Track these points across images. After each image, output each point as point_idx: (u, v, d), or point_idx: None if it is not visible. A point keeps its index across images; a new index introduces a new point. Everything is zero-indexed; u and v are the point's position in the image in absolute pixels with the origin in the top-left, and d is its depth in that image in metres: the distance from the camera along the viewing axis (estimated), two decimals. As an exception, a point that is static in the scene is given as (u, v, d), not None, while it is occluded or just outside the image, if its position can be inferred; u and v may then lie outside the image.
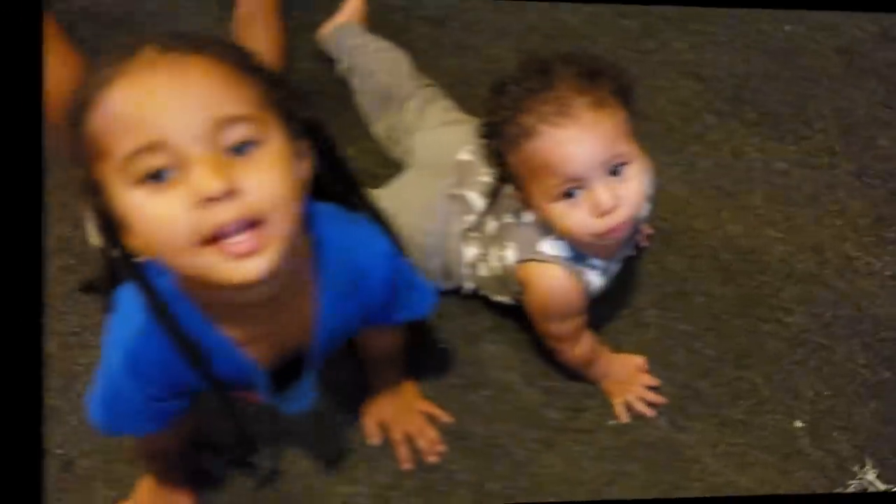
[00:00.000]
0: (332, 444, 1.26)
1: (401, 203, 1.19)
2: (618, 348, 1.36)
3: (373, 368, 1.24)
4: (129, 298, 0.86)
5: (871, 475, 1.33)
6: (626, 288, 1.41)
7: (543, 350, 1.31)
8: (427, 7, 1.63)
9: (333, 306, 0.93)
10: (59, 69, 1.25)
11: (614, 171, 1.04)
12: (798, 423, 1.36)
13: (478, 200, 1.24)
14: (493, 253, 1.23)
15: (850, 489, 1.32)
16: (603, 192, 1.03)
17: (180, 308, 0.84)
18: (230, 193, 0.71)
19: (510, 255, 1.19)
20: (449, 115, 1.37)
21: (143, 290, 0.82)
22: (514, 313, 1.33)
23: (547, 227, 1.13)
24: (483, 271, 1.27)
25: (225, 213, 0.71)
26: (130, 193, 0.72)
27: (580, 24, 1.64)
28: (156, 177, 0.72)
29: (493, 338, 1.36)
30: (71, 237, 1.36)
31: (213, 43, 0.76)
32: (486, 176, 1.22)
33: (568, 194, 1.05)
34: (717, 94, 1.59)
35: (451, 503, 1.23)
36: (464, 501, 1.24)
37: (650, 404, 1.34)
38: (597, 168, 1.03)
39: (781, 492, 1.30)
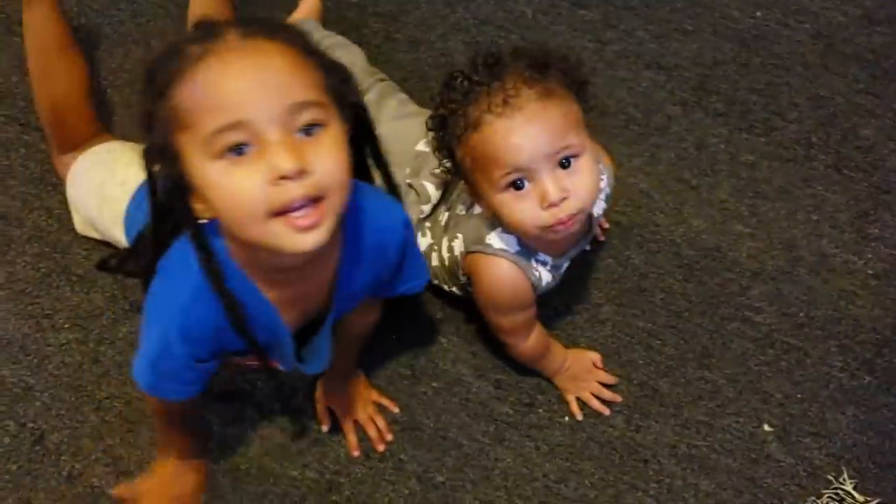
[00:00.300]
0: (284, 427, 1.25)
1: None
2: (573, 344, 1.32)
3: (344, 345, 1.22)
4: (177, 265, 0.93)
5: (847, 485, 1.24)
6: (583, 283, 1.36)
7: (495, 343, 1.28)
8: (381, 3, 1.61)
9: (352, 271, 1.00)
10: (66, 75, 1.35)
11: (563, 162, 1.02)
12: (767, 427, 1.28)
13: (434, 191, 1.23)
14: (444, 244, 1.21)
15: (824, 499, 1.23)
16: (550, 183, 1.01)
17: (228, 269, 0.91)
18: (301, 173, 0.79)
19: (458, 245, 1.18)
20: (405, 107, 1.36)
21: (202, 251, 0.89)
22: (465, 305, 1.30)
23: (496, 220, 1.11)
24: (434, 261, 1.25)
25: (295, 191, 0.79)
26: (211, 165, 0.80)
27: (537, 15, 1.60)
28: (235, 150, 0.79)
29: (444, 329, 1.33)
30: (44, 226, 1.38)
31: (284, 28, 0.85)
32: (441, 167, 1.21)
33: (516, 186, 1.02)
34: (680, 84, 1.53)
35: (399, 492, 1.21)
36: (412, 491, 1.21)
37: (606, 402, 1.29)
38: (544, 159, 1.01)
39: (746, 498, 1.22)
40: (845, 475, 1.25)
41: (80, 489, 1.20)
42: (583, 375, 1.30)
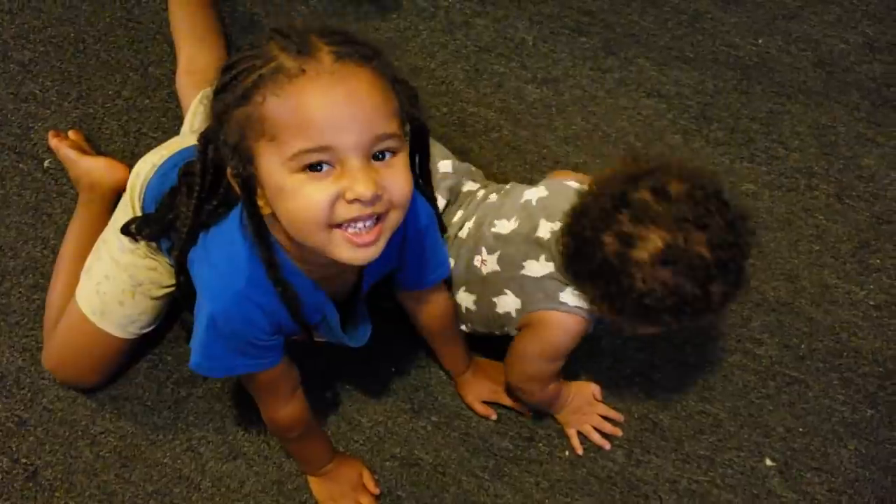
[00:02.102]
0: (279, 464, 1.24)
1: None
2: (573, 378, 1.30)
3: (440, 345, 1.28)
4: (225, 255, 0.97)
5: (850, 521, 1.23)
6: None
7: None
8: (382, 29, 1.59)
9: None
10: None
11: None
12: (768, 462, 1.27)
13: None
14: (480, 294, 1.17)
15: (826, 535, 1.22)
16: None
17: (281, 259, 0.96)
18: (376, 199, 0.86)
19: (508, 303, 1.14)
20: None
21: (263, 245, 0.93)
22: (467, 338, 1.27)
23: (560, 278, 1.09)
24: (464, 305, 1.21)
25: (363, 210, 0.85)
26: (289, 176, 0.84)
27: (537, 43, 1.58)
28: (314, 167, 0.84)
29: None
30: (39, 257, 1.37)
31: (375, 54, 0.88)
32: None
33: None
34: (681, 113, 1.52)
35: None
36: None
37: (606, 436, 1.28)
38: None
39: (748, 534, 1.21)
40: (848, 510, 1.24)
41: (73, 526, 1.18)
42: (584, 409, 1.29)
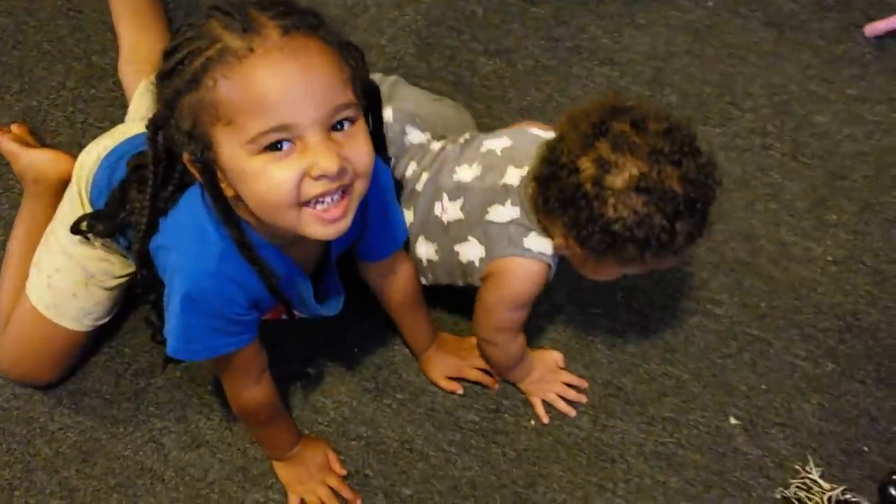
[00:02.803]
0: (244, 450, 1.23)
1: None
2: (536, 346, 1.30)
3: (405, 319, 1.27)
4: (191, 236, 0.95)
5: (814, 474, 1.24)
6: (544, 283, 1.34)
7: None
8: (328, 6, 1.57)
9: None
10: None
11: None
12: (733, 420, 1.28)
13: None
14: (447, 245, 1.17)
15: (792, 489, 1.23)
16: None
17: (253, 238, 0.95)
18: (342, 171, 0.85)
19: (470, 251, 1.14)
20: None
21: (233, 227, 0.92)
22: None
23: (525, 222, 1.10)
24: (423, 255, 1.20)
25: (330, 185, 0.85)
26: (249, 159, 0.83)
27: (487, 14, 1.57)
28: (274, 147, 0.83)
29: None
30: None
31: (320, 22, 0.86)
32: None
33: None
34: (635, 79, 1.52)
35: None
36: (378, 507, 1.20)
37: (571, 403, 1.28)
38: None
39: (715, 493, 1.22)
40: (811, 464, 1.25)
41: (35, 525, 1.16)
42: (547, 377, 1.29)
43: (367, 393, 1.28)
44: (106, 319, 1.22)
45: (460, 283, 1.21)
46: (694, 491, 1.22)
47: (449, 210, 1.16)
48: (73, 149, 1.38)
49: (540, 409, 1.27)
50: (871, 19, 1.55)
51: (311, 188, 0.84)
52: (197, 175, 0.89)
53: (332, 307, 1.14)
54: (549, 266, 1.13)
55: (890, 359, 1.31)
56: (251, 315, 1.03)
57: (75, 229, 1.10)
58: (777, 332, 1.33)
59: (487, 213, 1.13)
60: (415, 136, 1.24)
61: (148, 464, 1.22)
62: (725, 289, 1.35)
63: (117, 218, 1.03)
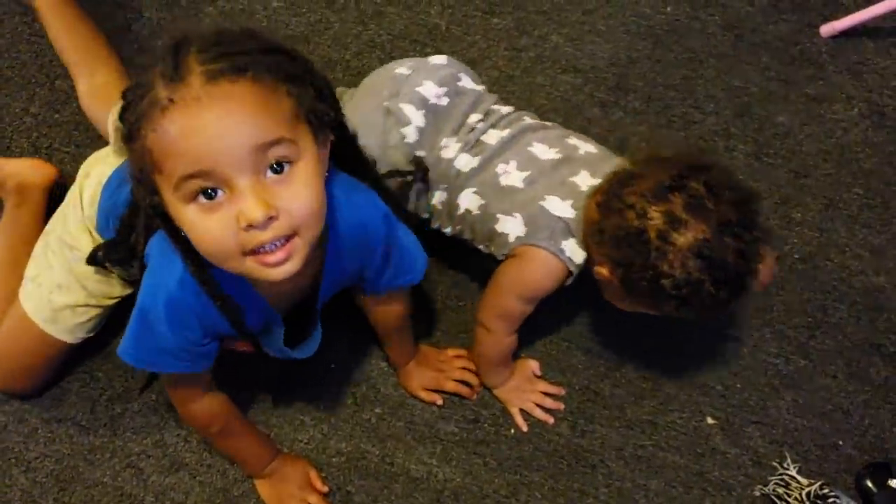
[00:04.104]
0: (223, 472, 1.22)
1: None
2: (512, 357, 1.29)
3: (391, 339, 1.27)
4: (159, 255, 0.95)
5: (792, 470, 1.26)
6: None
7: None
8: (291, 24, 1.57)
9: (335, 264, 1.03)
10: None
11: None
12: (710, 420, 1.29)
13: (414, 111, 1.19)
14: (492, 207, 1.16)
15: (771, 486, 1.24)
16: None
17: (218, 274, 0.93)
18: (270, 220, 0.81)
19: (512, 226, 1.15)
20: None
21: (191, 262, 0.91)
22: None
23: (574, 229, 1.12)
24: (465, 205, 1.19)
25: (264, 235, 0.82)
26: (184, 208, 0.82)
27: (450, 27, 1.58)
28: (206, 195, 0.81)
29: (384, 354, 1.30)
30: None
31: (253, 61, 0.82)
32: (422, 87, 1.19)
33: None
34: (598, 86, 1.53)
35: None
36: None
37: (549, 410, 1.29)
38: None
39: (696, 493, 1.23)
40: (789, 460, 1.27)
41: (12, 557, 1.15)
42: (524, 386, 1.30)
43: (345, 408, 1.28)
44: (94, 333, 1.22)
45: (480, 246, 1.22)
46: (675, 492, 1.24)
47: (512, 175, 1.17)
48: (40, 175, 1.38)
49: (519, 419, 1.28)
50: (827, 20, 1.58)
51: (248, 238, 0.82)
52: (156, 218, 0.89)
53: (305, 351, 1.12)
54: (571, 273, 1.15)
55: (860, 353, 1.34)
56: (208, 346, 1.02)
57: (93, 261, 1.10)
58: (749, 332, 1.35)
59: (545, 199, 1.14)
60: (467, 83, 1.25)
61: (127, 490, 1.20)
62: (697, 290, 1.37)
63: (128, 243, 1.02)
